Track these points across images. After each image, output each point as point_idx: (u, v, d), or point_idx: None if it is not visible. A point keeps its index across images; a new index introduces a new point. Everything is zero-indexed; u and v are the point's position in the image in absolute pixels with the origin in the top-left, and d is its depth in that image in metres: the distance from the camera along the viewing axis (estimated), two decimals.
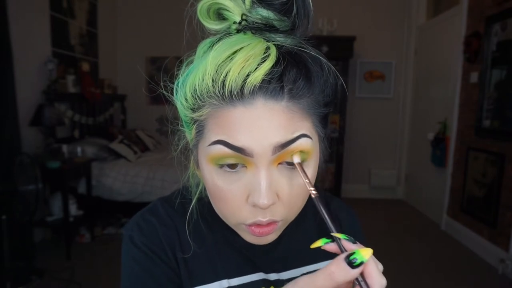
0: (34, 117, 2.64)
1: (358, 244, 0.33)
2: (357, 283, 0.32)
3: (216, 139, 0.39)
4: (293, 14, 0.40)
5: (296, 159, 0.40)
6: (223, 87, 0.38)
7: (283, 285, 0.51)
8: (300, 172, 0.39)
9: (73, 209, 2.78)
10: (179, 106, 0.44)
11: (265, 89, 0.38)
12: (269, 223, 0.42)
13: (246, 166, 0.40)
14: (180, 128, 0.49)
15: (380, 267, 0.33)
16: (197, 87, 0.40)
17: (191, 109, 0.42)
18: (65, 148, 2.77)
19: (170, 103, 0.48)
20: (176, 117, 0.51)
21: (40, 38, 2.94)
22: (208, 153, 0.41)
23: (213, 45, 0.41)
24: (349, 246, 0.33)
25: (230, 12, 0.41)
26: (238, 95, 0.38)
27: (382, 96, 4.33)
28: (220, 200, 0.43)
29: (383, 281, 0.31)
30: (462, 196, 3.05)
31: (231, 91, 0.38)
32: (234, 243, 0.52)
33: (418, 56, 4.08)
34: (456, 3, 3.29)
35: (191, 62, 0.43)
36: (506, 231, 2.49)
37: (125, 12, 4.41)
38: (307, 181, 0.39)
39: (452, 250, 2.93)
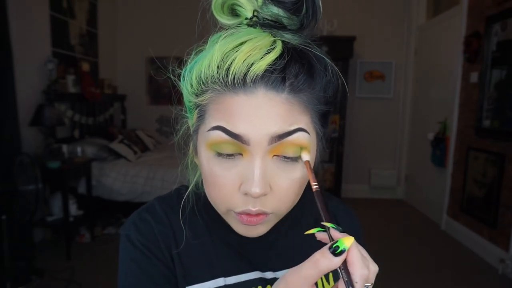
0: (34, 117, 2.64)
1: (345, 233, 0.34)
2: (339, 271, 0.32)
3: (216, 124, 0.40)
4: (302, 13, 0.42)
5: (306, 157, 0.41)
6: (227, 74, 0.39)
7: None
8: (308, 170, 0.40)
9: (73, 209, 2.78)
10: (184, 91, 0.46)
11: (267, 79, 0.39)
12: (258, 214, 0.42)
13: (242, 154, 0.41)
14: (183, 113, 0.50)
15: (375, 268, 0.34)
16: (202, 73, 0.41)
17: (195, 94, 0.44)
18: (65, 148, 2.77)
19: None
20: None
21: (40, 38, 2.94)
22: (207, 139, 0.42)
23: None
24: (335, 234, 0.34)
25: (243, 8, 0.43)
26: (241, 82, 0.39)
27: (382, 96, 4.33)
28: (213, 186, 0.43)
29: (364, 271, 0.31)
30: (462, 196, 3.05)
31: (234, 78, 0.39)
32: (231, 242, 0.52)
33: (418, 56, 4.08)
34: (456, 3, 3.29)
35: (201, 51, 0.45)
36: (506, 231, 2.49)
37: (125, 12, 4.41)
38: (312, 176, 0.39)
39: (452, 250, 2.93)
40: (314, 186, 0.38)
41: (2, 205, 2.02)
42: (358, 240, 0.63)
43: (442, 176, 3.42)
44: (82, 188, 3.04)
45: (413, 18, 4.11)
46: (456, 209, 3.15)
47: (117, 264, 0.51)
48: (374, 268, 0.34)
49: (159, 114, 4.54)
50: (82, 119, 3.40)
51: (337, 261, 0.31)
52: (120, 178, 3.13)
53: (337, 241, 0.32)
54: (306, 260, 0.32)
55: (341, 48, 3.81)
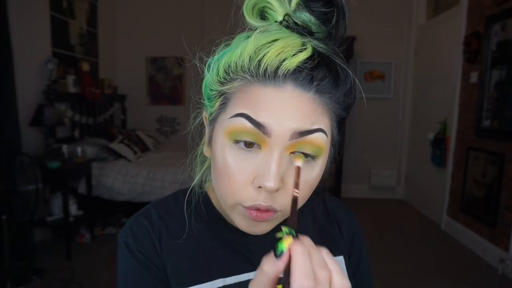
0: (34, 117, 2.63)
1: (297, 237, 0.32)
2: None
3: (240, 111, 0.41)
4: (332, 24, 0.43)
5: (298, 163, 0.40)
6: (259, 65, 0.40)
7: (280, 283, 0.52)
8: (295, 176, 0.39)
9: (73, 209, 2.78)
10: (208, 79, 0.46)
11: (297, 76, 0.40)
12: (267, 210, 0.42)
13: (260, 147, 0.41)
14: (202, 101, 0.50)
15: (342, 282, 0.30)
16: (232, 63, 0.42)
17: (221, 83, 0.44)
18: (65, 148, 2.77)
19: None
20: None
21: (40, 38, 2.94)
22: (228, 125, 0.42)
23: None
24: (284, 237, 0.32)
25: (274, 11, 0.44)
26: (271, 75, 0.40)
27: (382, 96, 4.33)
28: (225, 177, 0.43)
29: (304, 282, 0.28)
30: (462, 196, 3.05)
31: (265, 70, 0.40)
32: (230, 242, 0.52)
33: (418, 56, 4.08)
34: (456, 3, 3.29)
35: (229, 45, 0.45)
36: (506, 231, 2.49)
37: (125, 12, 4.41)
38: (298, 184, 0.38)
39: (452, 250, 2.93)
40: (296, 192, 0.37)
41: (2, 205, 2.02)
42: (359, 240, 0.63)
43: (442, 176, 3.42)
44: (82, 188, 3.04)
45: (413, 18, 4.11)
46: (456, 209, 3.15)
47: (117, 263, 0.51)
48: (340, 282, 0.30)
49: (159, 114, 4.54)
50: (82, 119, 3.40)
51: (279, 264, 0.30)
52: (120, 178, 3.13)
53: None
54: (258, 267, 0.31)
55: None
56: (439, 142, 3.40)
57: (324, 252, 0.32)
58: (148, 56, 4.44)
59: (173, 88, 4.49)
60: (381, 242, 3.02)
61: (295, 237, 0.32)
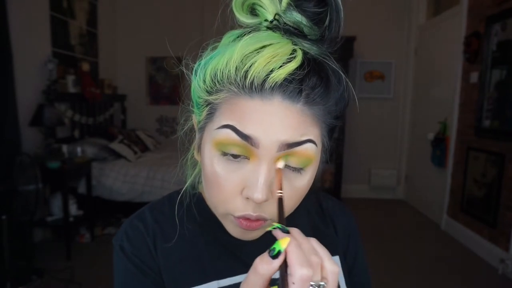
0: (34, 117, 2.63)
1: (290, 234, 0.33)
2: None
3: (226, 123, 0.40)
4: (324, 25, 0.42)
5: (280, 165, 0.40)
6: (245, 77, 0.38)
7: (275, 283, 0.52)
8: (277, 177, 0.40)
9: (73, 209, 2.78)
10: (195, 87, 0.45)
11: (285, 88, 0.38)
12: (257, 219, 0.42)
13: (248, 158, 0.40)
14: (190, 108, 0.49)
15: (332, 268, 0.32)
16: (218, 72, 0.40)
17: (207, 92, 0.43)
18: (65, 148, 2.77)
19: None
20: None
21: (40, 38, 2.94)
22: (215, 137, 0.41)
23: (241, 35, 0.42)
24: (278, 234, 0.33)
25: (264, 9, 0.42)
26: (258, 88, 0.38)
27: (382, 96, 4.33)
28: (215, 187, 0.42)
29: (303, 271, 0.30)
30: (462, 196, 3.05)
31: (252, 83, 0.38)
32: (224, 243, 0.51)
33: (418, 56, 4.08)
34: (456, 3, 3.29)
35: (216, 47, 0.44)
36: (506, 231, 2.49)
37: (125, 12, 4.41)
38: (280, 184, 0.39)
39: (452, 250, 2.93)
40: (279, 193, 0.38)
41: (2, 205, 2.02)
42: (355, 240, 0.63)
43: (442, 176, 3.42)
44: (82, 188, 3.04)
45: (413, 18, 4.11)
46: (456, 209, 3.15)
47: (113, 267, 0.51)
48: (330, 267, 0.32)
49: (159, 114, 4.54)
50: (82, 119, 3.40)
51: (275, 264, 0.30)
52: (120, 178, 3.13)
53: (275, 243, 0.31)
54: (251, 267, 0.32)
55: (341, 48, 3.76)
56: (439, 142, 3.40)
57: (313, 241, 0.33)
58: (148, 56, 4.44)
59: (173, 88, 4.49)
60: (381, 242, 3.02)
61: (286, 232, 0.33)
